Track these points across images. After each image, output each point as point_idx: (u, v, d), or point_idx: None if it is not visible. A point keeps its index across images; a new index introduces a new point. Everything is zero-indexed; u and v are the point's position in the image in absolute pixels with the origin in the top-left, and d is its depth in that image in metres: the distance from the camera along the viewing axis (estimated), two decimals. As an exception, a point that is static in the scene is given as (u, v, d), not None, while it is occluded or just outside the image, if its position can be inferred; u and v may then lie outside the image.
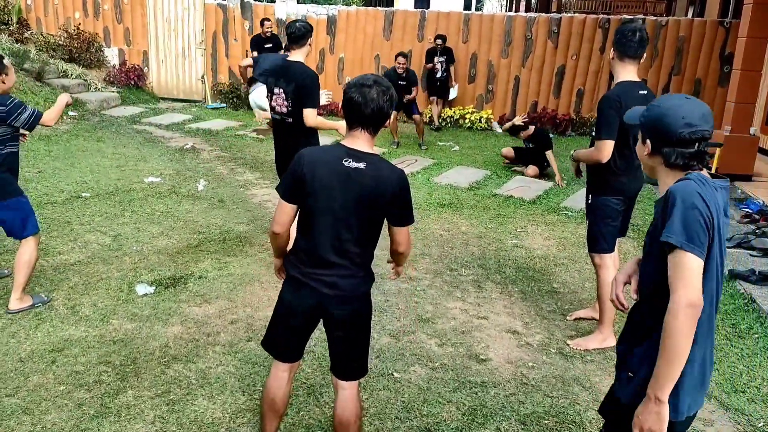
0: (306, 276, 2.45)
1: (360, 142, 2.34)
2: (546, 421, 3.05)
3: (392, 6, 28.21)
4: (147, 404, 3.10)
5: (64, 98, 4.38)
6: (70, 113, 9.74)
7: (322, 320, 2.52)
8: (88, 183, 6.70)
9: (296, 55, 4.36)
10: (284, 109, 4.37)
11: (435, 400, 3.19)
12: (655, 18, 11.27)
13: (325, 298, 2.42)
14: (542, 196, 7.01)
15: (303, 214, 2.45)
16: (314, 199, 2.37)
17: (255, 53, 9.35)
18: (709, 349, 1.84)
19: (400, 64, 8.96)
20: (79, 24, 11.76)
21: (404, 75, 9.01)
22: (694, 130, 1.74)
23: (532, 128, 7.96)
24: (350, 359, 2.54)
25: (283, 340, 2.59)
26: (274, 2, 12.21)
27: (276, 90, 4.38)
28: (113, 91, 11.28)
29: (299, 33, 4.29)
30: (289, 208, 2.44)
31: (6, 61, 4.15)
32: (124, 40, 12.16)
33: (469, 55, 10.97)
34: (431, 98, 10.88)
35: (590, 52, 10.57)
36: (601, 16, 11.05)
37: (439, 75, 10.56)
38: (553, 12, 15.31)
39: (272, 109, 4.51)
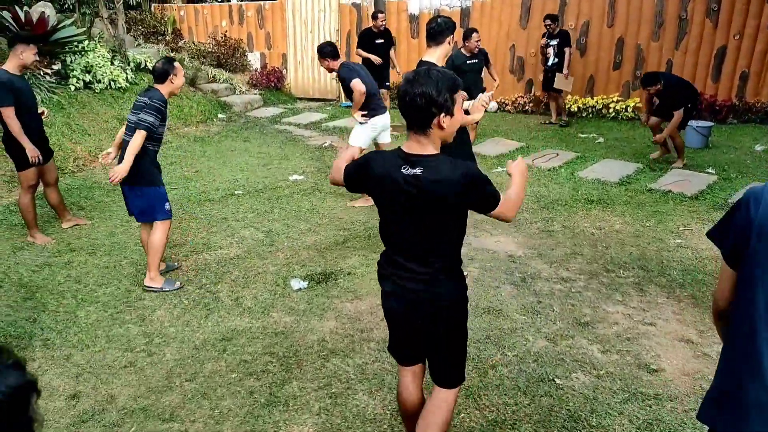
0: (391, 282, 2.42)
1: (415, 144, 2.21)
2: None
3: None
4: (311, 396, 3.23)
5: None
6: (219, 116, 10.50)
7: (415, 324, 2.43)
8: (239, 181, 7.17)
9: (431, 55, 4.04)
10: None
11: (604, 410, 3.03)
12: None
13: (409, 303, 2.36)
14: (705, 191, 6.42)
15: (380, 218, 2.41)
16: (383, 207, 2.35)
17: (360, 50, 9.44)
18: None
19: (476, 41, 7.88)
20: (226, 31, 12.62)
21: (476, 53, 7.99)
22: None
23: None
24: (440, 366, 2.47)
25: (394, 343, 2.59)
26: None
27: None
28: (256, 94, 11.99)
29: (438, 29, 4.04)
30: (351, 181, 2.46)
31: (176, 63, 4.52)
32: (265, 44, 12.87)
33: (614, 39, 10.33)
34: (544, 92, 10.19)
35: (756, 29, 9.52)
36: None
37: (550, 63, 9.74)
38: None
39: None
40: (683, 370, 3.37)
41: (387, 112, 6.24)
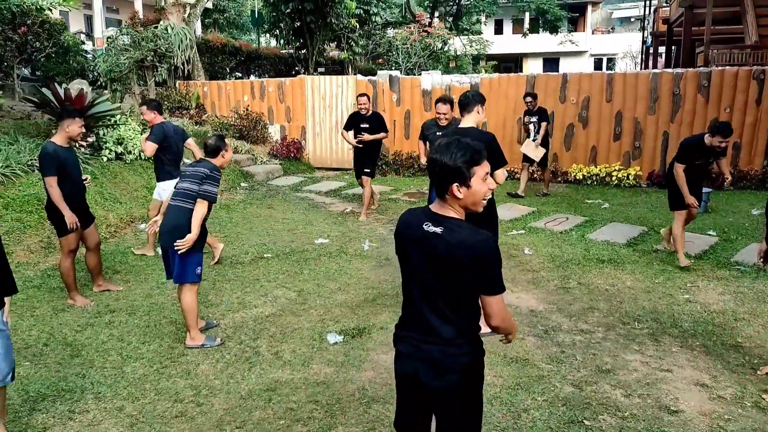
0: (403, 342, 2.42)
1: (439, 206, 2.30)
2: None
3: (521, 71, 28.77)
4: (359, 437, 3.48)
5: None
6: (242, 184, 11.00)
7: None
8: (267, 245, 7.54)
9: (467, 121, 4.65)
10: None
11: (631, 446, 3.28)
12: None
13: (419, 367, 2.32)
14: (708, 251, 6.81)
15: (402, 274, 2.46)
16: (404, 263, 2.40)
17: (343, 131, 8.87)
18: None
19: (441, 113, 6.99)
20: (248, 105, 13.34)
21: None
22: None
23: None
24: None
25: (401, 414, 2.53)
26: (420, 75, 13.07)
27: None
28: (276, 163, 12.54)
29: (465, 101, 4.66)
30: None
31: (226, 139, 4.97)
32: (285, 117, 13.53)
33: (613, 113, 10.99)
34: (522, 164, 10.37)
35: (745, 104, 10.18)
36: (754, 67, 10.66)
37: (531, 137, 10.13)
38: (700, 66, 14.91)
39: None
40: (701, 410, 3.63)
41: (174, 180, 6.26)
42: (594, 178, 11.02)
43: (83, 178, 5.75)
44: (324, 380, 4.17)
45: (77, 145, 8.71)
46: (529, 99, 10.17)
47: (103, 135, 9.25)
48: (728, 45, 15.63)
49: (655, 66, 23.27)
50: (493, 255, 2.19)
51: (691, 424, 3.48)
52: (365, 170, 8.72)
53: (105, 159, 9.12)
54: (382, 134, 8.68)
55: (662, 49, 24.93)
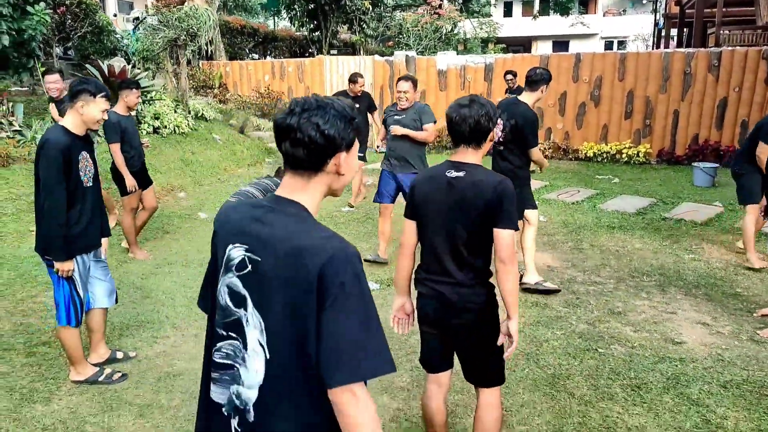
0: (426, 285, 2.60)
1: (463, 155, 2.55)
2: (745, 387, 3.54)
3: (530, 52, 28.91)
4: (403, 359, 4.00)
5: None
6: (267, 159, 11.52)
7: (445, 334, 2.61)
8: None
9: (526, 97, 4.93)
10: (499, 138, 4.97)
11: (639, 368, 3.80)
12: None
13: (442, 306, 2.52)
14: (713, 219, 7.28)
15: (419, 226, 2.63)
16: (424, 210, 2.58)
17: None
18: None
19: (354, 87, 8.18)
20: (269, 85, 13.83)
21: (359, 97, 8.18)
22: None
23: None
24: (477, 367, 2.61)
25: (426, 351, 2.75)
26: (436, 55, 13.49)
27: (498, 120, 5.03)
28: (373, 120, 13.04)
29: (535, 78, 4.87)
30: (408, 224, 2.65)
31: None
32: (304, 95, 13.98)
33: (625, 92, 11.41)
34: None
35: (753, 83, 10.56)
36: (764, 48, 11.01)
37: None
38: (711, 47, 15.25)
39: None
40: (702, 342, 4.14)
41: None
42: (604, 156, 11.46)
43: (142, 142, 6.29)
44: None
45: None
46: (509, 77, 10.40)
47: (141, 110, 9.72)
48: (740, 26, 15.93)
49: (666, 48, 23.54)
50: (510, 193, 2.43)
51: (692, 352, 4.00)
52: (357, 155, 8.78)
53: (144, 132, 9.51)
54: (374, 114, 8.73)
55: (674, 32, 25.13)
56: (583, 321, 4.53)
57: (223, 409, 1.57)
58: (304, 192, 1.55)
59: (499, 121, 5.06)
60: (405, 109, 5.65)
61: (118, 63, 9.85)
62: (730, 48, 11.46)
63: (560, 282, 5.32)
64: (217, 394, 1.58)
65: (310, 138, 1.48)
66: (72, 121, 3.55)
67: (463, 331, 2.52)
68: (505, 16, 39.74)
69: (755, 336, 4.20)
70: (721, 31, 15.05)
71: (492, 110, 2.51)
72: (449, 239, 2.48)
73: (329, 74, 13.55)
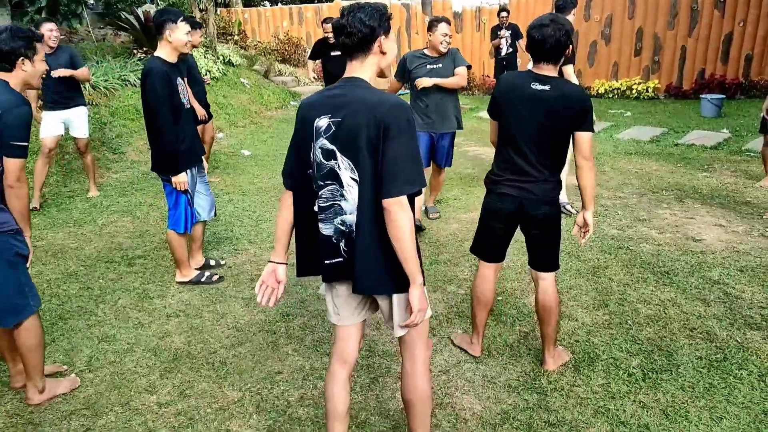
0: (507, 185, 2.90)
1: (544, 69, 2.80)
2: (759, 270, 4.13)
3: None
4: (462, 267, 4.57)
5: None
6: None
7: (520, 223, 2.97)
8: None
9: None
10: None
11: (666, 259, 4.37)
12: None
13: (523, 201, 2.86)
14: (722, 143, 7.79)
15: (502, 130, 2.93)
16: (509, 117, 2.85)
17: (315, 62, 8.00)
18: None
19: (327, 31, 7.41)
20: (287, 31, 14.02)
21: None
22: None
23: None
24: (544, 254, 2.99)
25: (484, 242, 3.12)
26: None
27: None
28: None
29: (564, 4, 5.18)
30: (494, 124, 2.99)
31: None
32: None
33: (634, 29, 11.71)
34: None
35: (758, 17, 10.84)
36: None
37: (504, 52, 10.43)
38: None
39: None
40: (719, 239, 4.72)
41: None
42: (615, 92, 11.84)
43: (204, 78, 6.65)
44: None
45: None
46: (503, 14, 10.48)
47: None
48: None
49: None
50: (590, 102, 2.77)
51: (712, 247, 4.57)
52: None
53: None
54: None
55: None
56: (613, 227, 5.09)
57: (333, 239, 2.10)
58: (362, 71, 2.08)
59: None
60: (441, 55, 4.94)
61: (149, 9, 10.11)
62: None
63: None
64: (325, 229, 2.11)
65: (357, 29, 2.00)
66: (165, 51, 3.87)
67: (539, 222, 2.89)
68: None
69: (765, 233, 4.78)
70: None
71: (570, 28, 2.76)
72: (535, 145, 2.80)
73: None
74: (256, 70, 12.37)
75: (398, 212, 1.93)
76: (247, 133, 9.56)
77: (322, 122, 2.06)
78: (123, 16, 9.34)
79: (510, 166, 2.88)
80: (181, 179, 3.93)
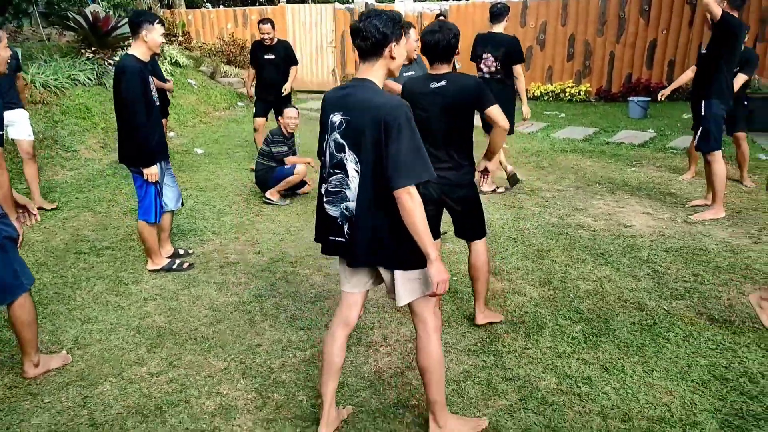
0: None
1: (438, 69, 3.18)
2: (682, 250, 4.61)
3: None
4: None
5: None
6: (239, 104, 11.92)
7: (444, 205, 3.31)
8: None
9: (498, 28, 5.84)
10: (493, 69, 5.81)
11: (601, 243, 4.81)
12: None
13: (443, 187, 3.21)
14: (648, 141, 8.44)
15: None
16: (418, 115, 3.03)
17: (253, 70, 7.42)
18: None
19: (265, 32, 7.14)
20: (232, 33, 14.01)
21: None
22: None
23: None
24: (471, 225, 3.39)
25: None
26: (394, 2, 14.02)
27: (484, 55, 5.85)
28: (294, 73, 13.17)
29: (498, 12, 5.89)
30: None
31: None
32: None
33: (567, 36, 12.41)
34: None
35: (679, 26, 11.72)
36: None
37: None
38: None
39: (480, 69, 5.91)
40: (647, 225, 5.21)
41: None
42: (550, 95, 12.51)
43: (167, 80, 6.79)
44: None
45: (106, 64, 9.15)
46: (441, 19, 11.07)
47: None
48: None
49: None
50: (482, 84, 3.23)
51: (641, 231, 5.05)
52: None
53: None
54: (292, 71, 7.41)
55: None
56: (553, 216, 5.51)
57: (338, 220, 2.36)
58: (372, 73, 2.31)
59: (486, 54, 5.87)
60: (411, 62, 5.11)
61: (96, 9, 9.94)
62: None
63: (530, 190, 6.28)
64: (331, 210, 2.37)
65: (372, 34, 2.21)
66: (140, 50, 4.08)
67: (460, 202, 3.29)
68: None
69: (688, 219, 5.31)
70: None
71: (456, 31, 3.17)
72: (444, 135, 3.15)
73: (291, 21, 13.87)
74: (203, 71, 12.33)
75: (408, 200, 2.16)
76: (198, 132, 9.58)
77: (336, 118, 2.31)
78: (71, 16, 9.17)
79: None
80: (153, 171, 4.10)
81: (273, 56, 7.22)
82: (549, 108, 11.66)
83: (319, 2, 15.07)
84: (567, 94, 12.34)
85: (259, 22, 7.35)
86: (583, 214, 5.54)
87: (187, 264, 4.53)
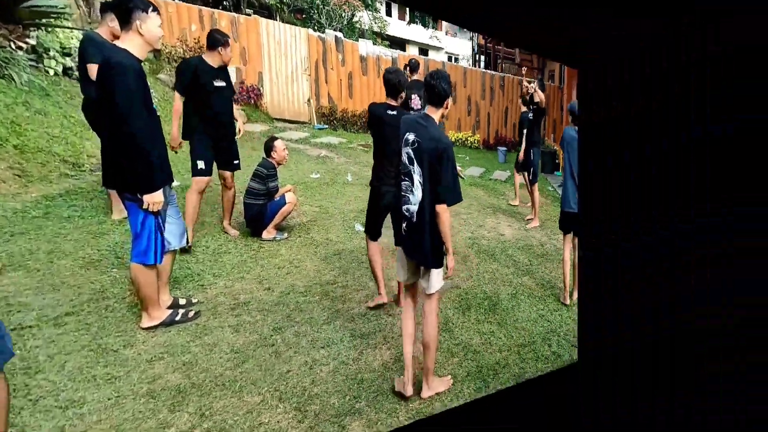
0: (387, 185, 3.73)
1: (392, 102, 3.70)
2: (525, 248, 7.20)
3: (405, 51, 27.88)
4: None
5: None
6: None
7: (391, 212, 3.81)
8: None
9: (417, 77, 6.61)
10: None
11: (491, 247, 7.19)
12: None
13: (393, 195, 3.55)
14: (508, 178, 11.68)
15: (375, 144, 3.81)
16: (380, 134, 3.69)
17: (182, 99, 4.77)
18: None
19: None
20: (197, 37, 10.72)
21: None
22: None
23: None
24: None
25: (374, 223, 4.02)
26: (359, 41, 13.82)
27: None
28: (239, 109, 10.46)
29: (411, 66, 6.76)
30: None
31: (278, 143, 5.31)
32: (240, 58, 11.50)
33: (466, 96, 15.12)
34: None
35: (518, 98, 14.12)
36: (518, 78, 14.96)
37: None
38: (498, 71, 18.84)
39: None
40: (510, 233, 7.95)
41: None
42: (458, 141, 14.70)
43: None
44: (363, 246, 5.67)
45: (14, 48, 6.27)
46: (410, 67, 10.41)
47: (43, 40, 6.50)
48: (509, 61, 20.34)
49: (478, 62, 26.31)
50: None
51: (508, 237, 7.74)
52: (234, 161, 5.46)
53: (52, 73, 6.60)
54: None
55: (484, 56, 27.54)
56: (468, 231, 7.93)
57: (406, 215, 2.72)
58: (435, 114, 2.80)
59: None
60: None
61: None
62: (509, 75, 15.63)
63: (455, 213, 9.69)
64: (403, 208, 2.73)
65: (442, 89, 2.73)
66: (133, 44, 2.96)
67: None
68: (387, 14, 34.68)
69: (526, 229, 7.77)
70: (503, 63, 19.17)
71: (403, 77, 3.69)
72: (393, 153, 3.54)
73: (266, 38, 11.87)
74: (162, 80, 9.31)
75: (443, 213, 2.64)
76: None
77: (410, 137, 2.69)
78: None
79: (387, 169, 3.87)
80: (157, 198, 3.07)
81: (224, 83, 5.09)
82: (459, 152, 13.70)
83: (286, 23, 12.30)
84: (468, 141, 14.67)
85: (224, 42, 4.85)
86: (482, 229, 7.21)
87: (193, 312, 3.66)
